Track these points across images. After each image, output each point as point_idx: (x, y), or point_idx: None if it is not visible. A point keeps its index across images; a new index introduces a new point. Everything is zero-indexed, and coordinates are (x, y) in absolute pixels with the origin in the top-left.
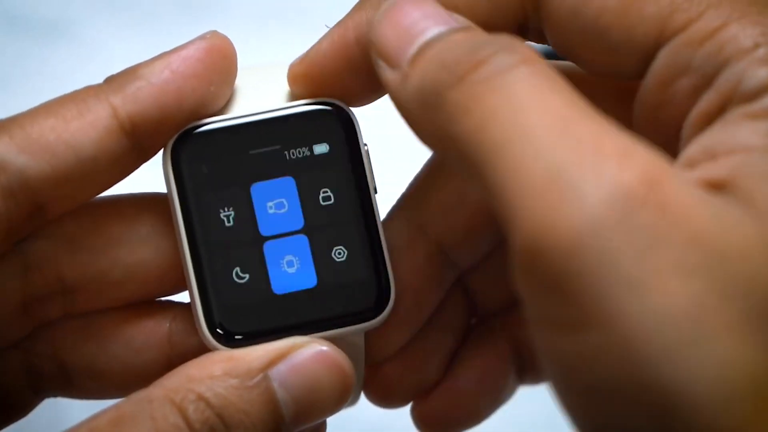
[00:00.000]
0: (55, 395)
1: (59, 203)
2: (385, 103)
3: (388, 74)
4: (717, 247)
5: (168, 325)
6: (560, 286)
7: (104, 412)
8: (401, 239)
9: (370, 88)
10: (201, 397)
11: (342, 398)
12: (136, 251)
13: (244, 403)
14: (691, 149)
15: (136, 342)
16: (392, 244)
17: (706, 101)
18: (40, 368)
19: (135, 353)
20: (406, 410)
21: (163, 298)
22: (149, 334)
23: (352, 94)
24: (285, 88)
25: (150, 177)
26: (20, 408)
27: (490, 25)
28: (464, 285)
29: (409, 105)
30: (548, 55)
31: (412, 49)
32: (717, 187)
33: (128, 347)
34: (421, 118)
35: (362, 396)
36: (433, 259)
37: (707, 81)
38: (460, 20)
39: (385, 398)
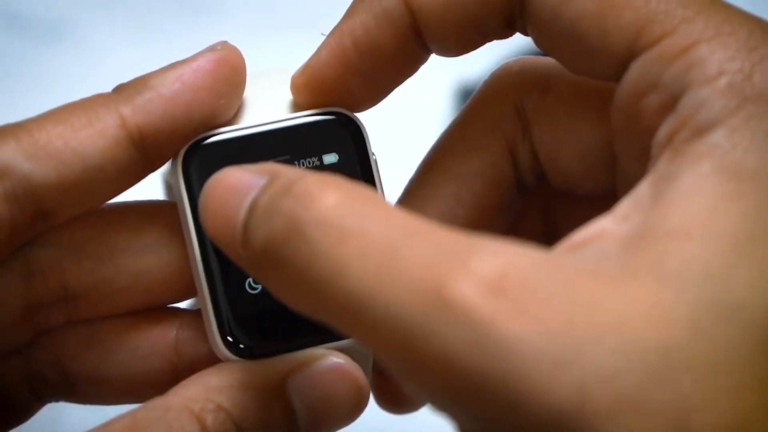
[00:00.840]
0: (56, 401)
1: (64, 210)
2: (393, 111)
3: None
4: (568, 339)
5: (175, 332)
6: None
7: (119, 418)
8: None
9: (373, 92)
10: (220, 408)
11: (356, 410)
12: (141, 259)
13: (264, 414)
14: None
15: (141, 349)
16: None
17: (670, 124)
18: (42, 374)
19: (140, 361)
20: (408, 414)
21: (169, 306)
22: (155, 341)
23: (355, 100)
24: (291, 95)
25: (153, 185)
26: (21, 413)
27: (479, 19)
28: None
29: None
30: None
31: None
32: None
33: (133, 354)
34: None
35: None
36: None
37: (673, 101)
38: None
39: (395, 404)
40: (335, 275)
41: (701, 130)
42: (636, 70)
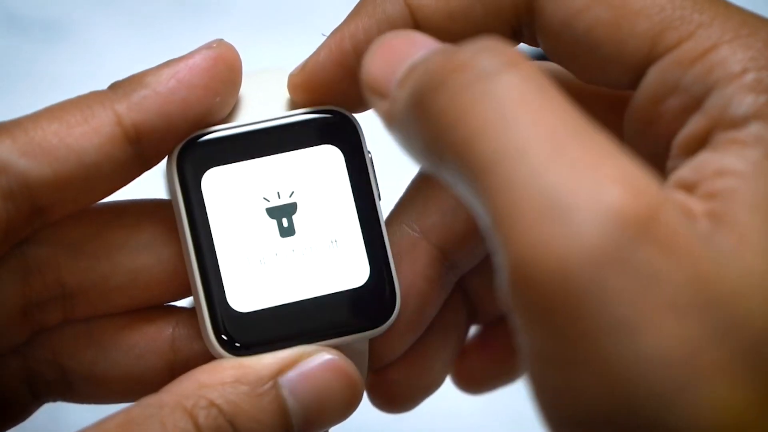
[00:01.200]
0: (54, 400)
1: (60, 207)
2: (361, 114)
3: (380, 106)
4: (711, 286)
5: (171, 330)
6: (549, 319)
7: (114, 416)
8: (402, 244)
9: None
10: (213, 404)
11: (350, 407)
12: (137, 257)
13: (256, 411)
14: (681, 173)
15: (137, 348)
16: (393, 249)
17: (695, 124)
18: (40, 373)
19: (137, 359)
20: (406, 415)
21: (165, 304)
22: (151, 339)
23: (351, 102)
24: (288, 94)
25: (149, 183)
26: (19, 413)
27: (484, 29)
28: (464, 288)
29: (399, 125)
30: (539, 58)
31: (399, 73)
32: (709, 217)
33: (130, 353)
34: (411, 134)
35: (364, 400)
36: (435, 263)
37: (696, 103)
38: (449, 45)
39: (391, 403)
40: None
41: (736, 124)
42: (654, 75)
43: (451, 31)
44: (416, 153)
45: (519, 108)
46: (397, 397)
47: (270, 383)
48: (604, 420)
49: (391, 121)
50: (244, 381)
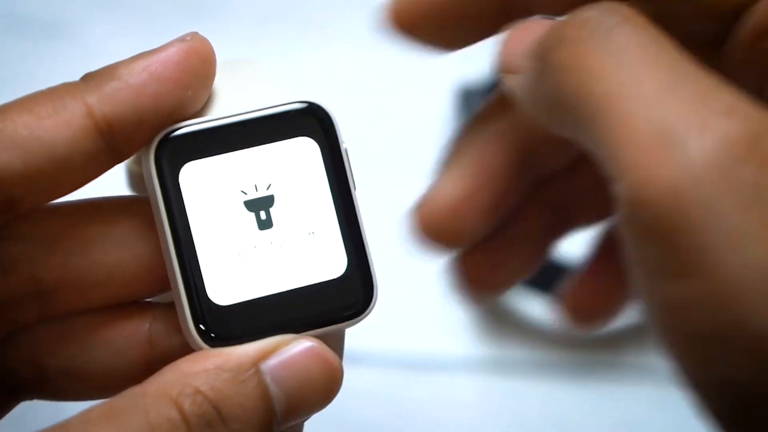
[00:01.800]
0: (31, 398)
1: (31, 199)
2: (394, 112)
3: (512, 81)
4: None
5: (148, 326)
6: (663, 235)
7: (96, 406)
8: (484, 139)
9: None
10: (198, 391)
11: (331, 393)
12: (113, 252)
13: (240, 397)
14: None
15: (115, 343)
16: (474, 143)
17: None
18: (17, 371)
19: (115, 355)
20: (405, 413)
21: (142, 300)
22: (129, 335)
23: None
24: (262, 85)
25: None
26: None
27: None
28: (551, 195)
29: (528, 92)
30: None
31: (529, 47)
32: None
33: (108, 349)
34: (537, 95)
35: (363, 399)
36: (515, 159)
37: None
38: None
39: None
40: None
41: None
42: (756, 14)
43: None
44: (543, 114)
45: (633, 52)
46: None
47: (252, 370)
48: (715, 333)
49: (522, 92)
50: (226, 368)
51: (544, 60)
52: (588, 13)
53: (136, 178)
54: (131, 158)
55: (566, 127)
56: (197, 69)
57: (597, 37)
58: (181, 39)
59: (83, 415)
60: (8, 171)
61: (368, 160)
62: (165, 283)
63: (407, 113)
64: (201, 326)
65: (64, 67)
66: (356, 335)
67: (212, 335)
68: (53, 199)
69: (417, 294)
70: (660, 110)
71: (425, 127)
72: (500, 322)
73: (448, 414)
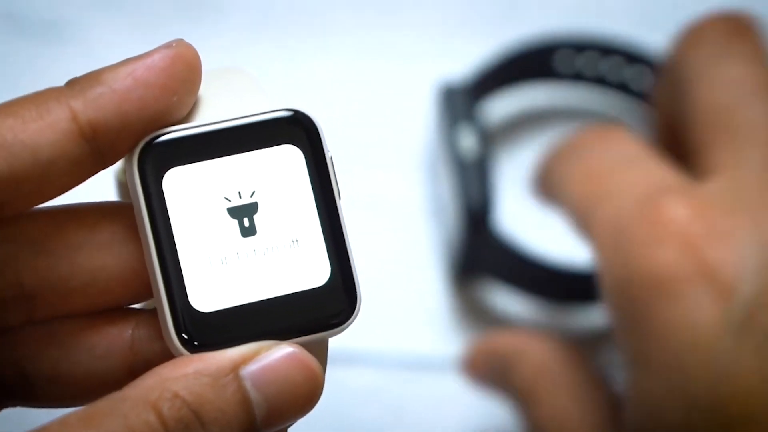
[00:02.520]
0: (14, 405)
1: (14, 203)
2: (375, 110)
3: None
4: None
5: (130, 332)
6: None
7: (75, 411)
8: None
9: None
10: (177, 395)
11: (312, 399)
12: (97, 257)
13: (219, 401)
14: None
15: (98, 349)
16: None
17: None
18: (1, 377)
19: (98, 360)
20: (404, 413)
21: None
22: (112, 340)
23: None
24: (249, 93)
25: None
26: None
27: None
28: None
29: None
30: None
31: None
32: None
33: (91, 354)
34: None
35: (362, 399)
36: None
37: None
38: None
39: None
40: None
41: None
42: None
43: None
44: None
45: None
46: None
47: (232, 375)
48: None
49: None
50: (206, 372)
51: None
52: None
53: (123, 188)
54: (120, 168)
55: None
56: (183, 75)
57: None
58: (167, 45)
59: (62, 420)
60: None
61: (366, 163)
62: (149, 290)
63: (388, 112)
64: (182, 333)
65: (64, 67)
66: (356, 335)
67: (194, 342)
68: (37, 204)
69: (416, 294)
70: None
71: (407, 125)
72: (499, 323)
73: (447, 414)
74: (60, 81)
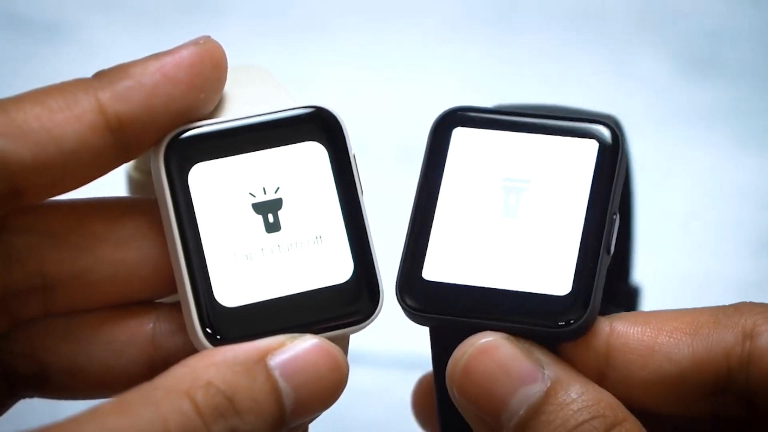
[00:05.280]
0: (30, 396)
1: (38, 191)
2: (343, 111)
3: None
4: None
5: (151, 325)
6: None
7: (108, 401)
8: None
9: None
10: (210, 383)
11: (338, 389)
12: (119, 251)
13: (252, 389)
14: None
15: (117, 342)
16: None
17: None
18: (17, 368)
19: (116, 354)
20: (405, 413)
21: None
22: (132, 334)
23: None
24: (272, 89)
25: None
26: None
27: (687, 380)
28: None
29: None
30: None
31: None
32: None
33: (109, 348)
34: None
35: (363, 398)
36: None
37: None
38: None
39: None
40: None
41: None
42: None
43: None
44: None
45: None
46: None
47: (261, 364)
48: None
49: None
50: (236, 361)
51: None
52: None
53: (134, 185)
54: (131, 164)
55: None
56: (210, 73)
57: None
58: (195, 42)
59: (94, 409)
60: (16, 161)
61: (374, 163)
62: (169, 285)
63: (411, 115)
64: (207, 328)
65: (64, 67)
66: (356, 335)
67: (218, 337)
68: (58, 194)
69: None
70: None
71: (413, 126)
72: None
73: None
74: (59, 81)
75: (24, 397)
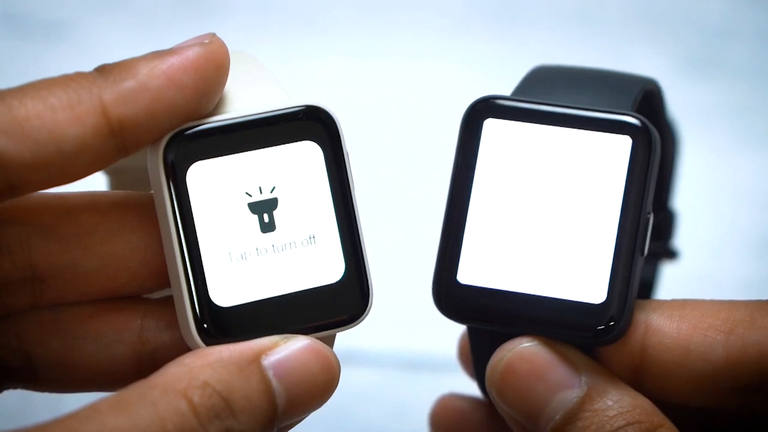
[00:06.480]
0: (16, 387)
1: (32, 187)
2: (343, 110)
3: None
4: None
5: (139, 321)
6: None
7: (105, 397)
8: None
9: None
10: (207, 384)
11: (329, 389)
12: (107, 243)
13: (247, 389)
14: None
15: (105, 337)
16: None
17: None
18: (5, 360)
19: (104, 348)
20: (405, 413)
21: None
22: (120, 329)
23: None
24: (269, 87)
25: None
26: None
27: (721, 379)
28: None
29: None
30: None
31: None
32: None
33: (97, 342)
34: None
35: (362, 398)
36: None
37: None
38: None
39: None
40: None
41: None
42: None
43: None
44: None
45: None
46: None
47: (255, 364)
48: None
49: None
50: (230, 361)
51: None
52: None
53: (114, 178)
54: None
55: None
56: (214, 77)
57: None
58: (200, 42)
59: (92, 406)
60: (15, 159)
61: (375, 160)
62: (157, 279)
63: (412, 112)
64: (202, 327)
65: (65, 67)
66: (356, 335)
67: (212, 336)
68: (53, 187)
69: (416, 294)
70: None
71: (413, 124)
72: None
73: None
74: None
75: (10, 387)
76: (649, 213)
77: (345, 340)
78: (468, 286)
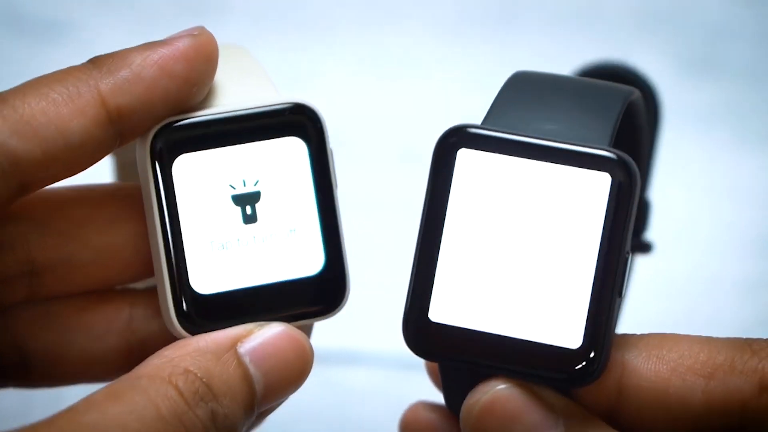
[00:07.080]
0: (11, 386)
1: (41, 183)
2: (343, 110)
3: None
4: None
5: (128, 311)
6: None
7: (98, 391)
8: None
9: None
10: (188, 370)
11: (303, 373)
12: (101, 235)
13: (225, 375)
14: None
15: (96, 328)
16: None
17: None
18: (0, 359)
19: (95, 339)
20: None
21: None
22: (109, 320)
23: None
24: (258, 81)
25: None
26: None
27: (699, 424)
28: None
29: None
30: None
31: None
32: None
33: (89, 334)
34: None
35: (362, 398)
36: None
37: None
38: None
39: None
40: None
41: None
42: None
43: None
44: None
45: None
46: None
47: (231, 351)
48: None
49: None
50: (207, 350)
51: None
52: None
53: (122, 169)
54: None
55: None
56: (204, 67)
57: None
58: (190, 34)
59: (88, 399)
60: (28, 158)
61: (372, 162)
62: (147, 267)
63: (410, 115)
64: (181, 313)
65: (64, 66)
66: (356, 335)
67: (192, 323)
68: (58, 181)
69: None
70: None
71: (410, 125)
72: None
73: None
74: None
75: (6, 386)
76: (627, 252)
77: (345, 340)
78: (439, 324)
